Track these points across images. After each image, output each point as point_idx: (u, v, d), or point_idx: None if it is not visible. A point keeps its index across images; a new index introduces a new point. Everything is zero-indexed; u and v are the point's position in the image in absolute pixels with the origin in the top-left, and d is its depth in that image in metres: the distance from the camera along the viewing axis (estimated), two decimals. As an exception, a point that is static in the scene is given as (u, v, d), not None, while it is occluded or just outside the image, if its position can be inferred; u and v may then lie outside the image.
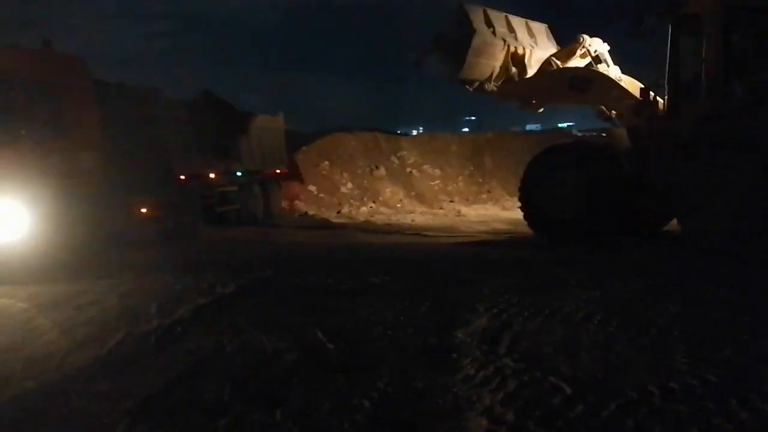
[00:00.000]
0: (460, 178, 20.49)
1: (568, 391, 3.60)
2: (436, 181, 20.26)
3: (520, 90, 11.80)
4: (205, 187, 12.95)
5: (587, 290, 6.06)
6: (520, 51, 11.56)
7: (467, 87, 11.85)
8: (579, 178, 10.10)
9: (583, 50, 11.16)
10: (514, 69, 11.59)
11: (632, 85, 10.61)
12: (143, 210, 11.02)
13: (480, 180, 20.38)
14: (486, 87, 11.69)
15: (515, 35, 11.65)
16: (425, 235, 13.00)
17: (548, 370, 3.92)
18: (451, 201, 19.16)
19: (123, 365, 4.44)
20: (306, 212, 17.63)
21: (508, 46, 11.44)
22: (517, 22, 11.84)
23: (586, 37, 11.14)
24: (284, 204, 17.63)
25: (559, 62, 11.32)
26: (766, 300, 5.46)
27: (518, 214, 17.11)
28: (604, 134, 10.96)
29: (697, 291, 5.89)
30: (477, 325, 5.05)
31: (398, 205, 18.62)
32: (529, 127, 40.82)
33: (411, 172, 20.44)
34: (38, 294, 6.77)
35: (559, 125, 39.75)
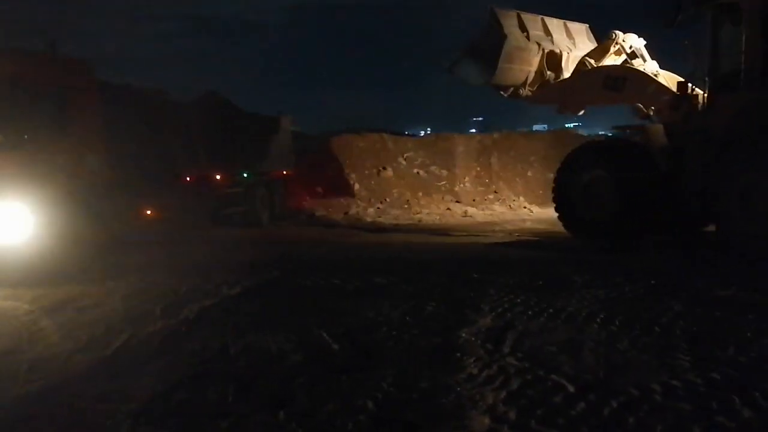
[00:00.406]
0: (467, 178, 20.44)
1: (571, 389, 3.60)
2: (443, 182, 20.21)
3: (554, 94, 11.44)
4: (210, 188, 12.98)
5: (591, 290, 6.05)
6: (557, 54, 11.30)
7: (501, 93, 11.70)
8: (613, 177, 9.72)
9: (617, 47, 10.80)
10: (549, 73, 11.30)
11: (671, 80, 10.20)
12: (148, 212, 11.06)
13: (487, 180, 20.32)
14: (521, 92, 11.48)
15: (551, 38, 11.39)
16: (449, 234, 12.99)
17: (551, 369, 3.92)
18: (458, 201, 19.12)
19: (127, 367, 4.46)
20: (313, 213, 17.64)
21: (543, 50, 11.21)
22: (555, 24, 11.59)
23: (618, 33, 10.81)
24: (291, 205, 17.64)
25: (592, 61, 10.97)
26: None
27: (524, 214, 17.18)
28: (636, 131, 10.43)
29: (699, 291, 5.87)
30: (481, 325, 5.06)
31: (405, 206, 18.59)
32: (536, 127, 40.72)
33: (418, 172, 20.41)
34: (42, 296, 6.80)
35: (566, 125, 39.61)
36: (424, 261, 9.13)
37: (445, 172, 20.49)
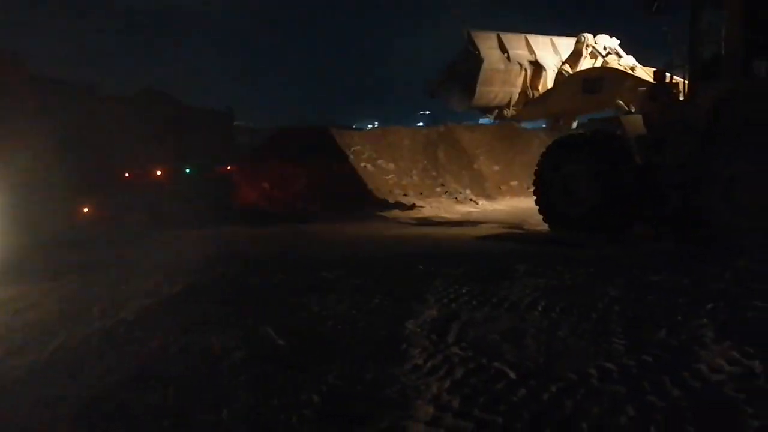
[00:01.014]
0: (414, 171, 20.54)
1: (513, 376, 3.68)
2: (391, 176, 20.26)
3: (539, 109, 11.32)
4: (151, 185, 12.69)
5: (533, 278, 6.18)
6: (542, 72, 11.22)
7: (487, 115, 11.71)
8: (590, 170, 9.51)
9: (590, 49, 10.70)
10: (532, 92, 11.20)
11: (649, 73, 9.96)
12: (86, 210, 10.76)
13: (434, 173, 20.47)
14: (505, 113, 11.40)
15: (535, 56, 11.28)
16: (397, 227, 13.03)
17: (494, 358, 4.00)
18: (406, 195, 19.21)
19: (63, 370, 4.33)
20: (258, 209, 17.43)
21: (526, 70, 11.13)
22: (540, 41, 11.48)
23: (587, 35, 10.74)
24: (235, 200, 17.40)
25: (568, 68, 10.88)
26: (699, 283, 5.65)
27: (470, 207, 17.40)
28: (612, 123, 10.14)
29: (635, 276, 6.07)
30: (427, 316, 5.11)
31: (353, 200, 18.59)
32: (481, 120, 41.26)
33: (365, 166, 20.42)
34: (-25, 300, 6.53)
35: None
36: (370, 254, 9.15)
37: (392, 166, 20.56)
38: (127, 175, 11.66)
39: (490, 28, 11.38)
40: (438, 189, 19.71)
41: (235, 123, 17.22)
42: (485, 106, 11.39)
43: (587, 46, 10.63)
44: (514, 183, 19.03)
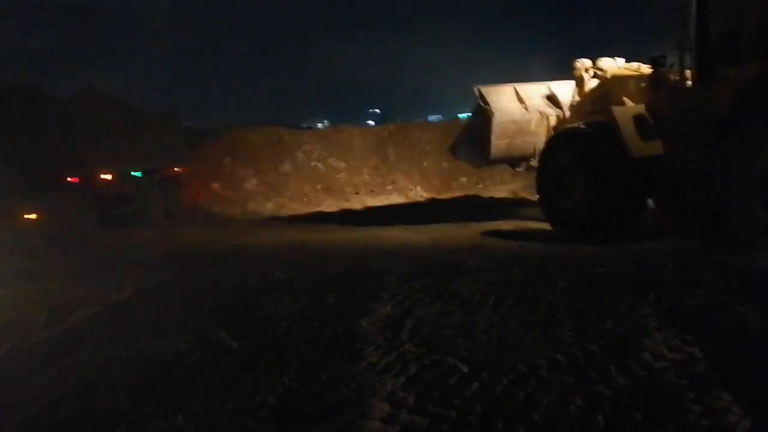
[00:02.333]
0: (365, 170, 20.60)
1: (465, 370, 3.75)
2: (342, 174, 20.27)
3: None
4: (98, 188, 12.35)
5: (485, 273, 6.30)
6: (565, 117, 10.73)
7: (515, 168, 11.47)
8: (583, 166, 8.96)
9: (591, 71, 10.14)
10: None
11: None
12: (30, 215, 10.40)
13: (384, 171, 20.57)
14: (532, 163, 10.88)
15: (559, 101, 10.90)
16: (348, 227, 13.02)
17: (447, 353, 4.07)
18: (357, 193, 19.25)
19: (9, 381, 4.20)
20: (209, 210, 17.20)
21: (548, 117, 10.78)
22: (564, 86, 11.03)
23: (582, 60, 10.26)
24: (186, 202, 17.12)
25: (577, 98, 10.48)
26: (643, 273, 5.87)
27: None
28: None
29: (581, 268, 6.25)
30: (381, 313, 5.15)
31: (305, 200, 18.52)
32: (431, 117, 41.64)
33: (316, 165, 20.35)
34: None
35: (459, 116, 40.73)
36: (324, 253, 9.15)
37: (343, 165, 20.57)
38: (72, 179, 11.31)
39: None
40: (389, 187, 19.82)
41: (183, 124, 16.88)
42: (507, 159, 11.17)
43: (586, 69, 10.19)
44: (463, 179, 19.26)
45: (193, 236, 12.48)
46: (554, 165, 9.48)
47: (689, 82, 8.10)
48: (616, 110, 8.76)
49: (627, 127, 8.48)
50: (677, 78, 8.25)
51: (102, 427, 3.41)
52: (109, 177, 12.61)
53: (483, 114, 10.90)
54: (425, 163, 20.55)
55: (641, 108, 8.73)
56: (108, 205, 12.77)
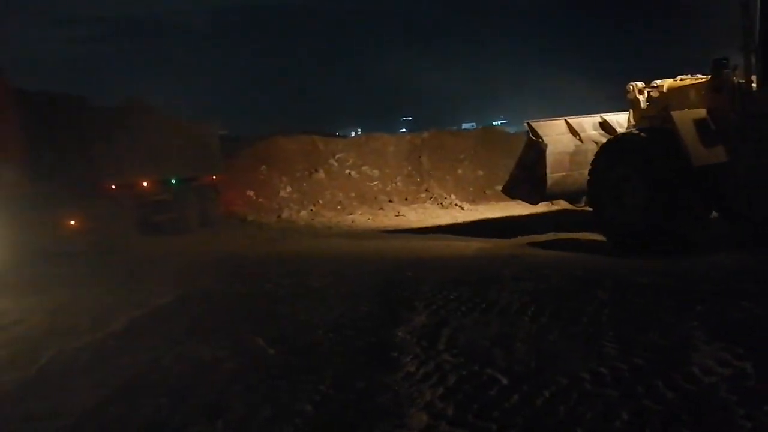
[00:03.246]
0: (399, 178, 20.59)
1: (505, 382, 3.69)
2: (375, 182, 20.28)
3: None
4: (138, 196, 12.60)
5: (521, 283, 6.22)
6: None
7: (574, 204, 11.10)
8: (644, 175, 8.38)
9: (645, 93, 9.64)
10: None
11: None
12: (72, 222, 10.64)
13: (418, 179, 20.53)
14: None
15: (615, 129, 10.49)
16: (382, 235, 13.03)
17: (486, 363, 4.01)
18: (390, 201, 19.23)
19: (54, 384, 4.28)
20: (245, 218, 17.38)
21: None
22: (620, 118, 10.64)
23: (633, 83, 9.83)
24: (222, 210, 17.33)
25: (633, 122, 9.98)
26: (687, 284, 5.73)
27: (455, 212, 17.47)
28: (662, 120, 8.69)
29: (624, 279, 6.12)
30: (417, 323, 5.12)
31: (338, 207, 18.58)
32: (464, 125, 41.58)
33: (350, 173, 20.41)
34: (-39, 315, 6.44)
35: (494, 123, 40.59)
36: (357, 262, 9.16)
37: (376, 173, 20.59)
38: (113, 186, 11.54)
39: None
40: (423, 195, 19.76)
41: (220, 133, 17.12)
42: (564, 194, 10.82)
43: (640, 90, 9.70)
44: (498, 187, 19.10)
45: (229, 243, 12.62)
46: (609, 174, 8.86)
47: (754, 85, 7.74)
48: (676, 115, 8.22)
49: (688, 133, 8.00)
50: (742, 81, 7.84)
51: (144, 430, 3.45)
52: (148, 185, 12.84)
53: (535, 147, 10.58)
54: (460, 171, 20.46)
55: (702, 113, 8.23)
56: (147, 213, 13.00)
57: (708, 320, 4.50)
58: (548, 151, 10.27)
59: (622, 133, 9.39)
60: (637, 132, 8.89)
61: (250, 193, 18.97)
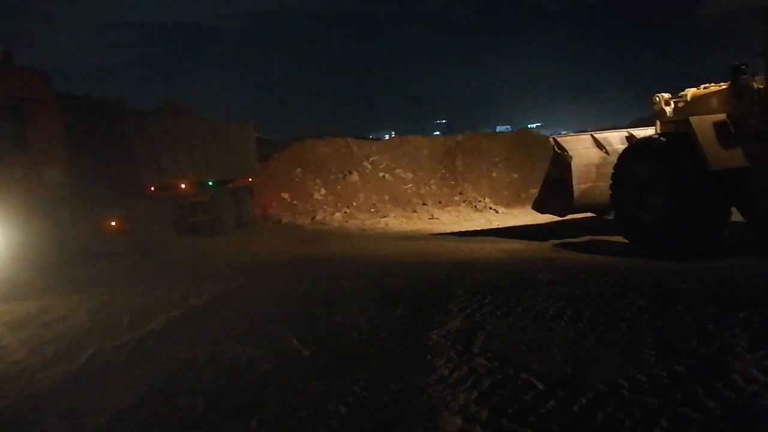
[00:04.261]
0: (433, 181, 20.54)
1: (540, 387, 3.65)
2: (409, 185, 20.28)
3: None
4: (175, 197, 12.81)
5: (557, 287, 6.14)
6: None
7: (603, 216, 11.18)
8: (663, 179, 8.59)
9: (671, 103, 9.71)
10: None
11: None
12: (113, 223, 10.86)
13: (452, 182, 20.45)
14: None
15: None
16: (415, 237, 13.03)
17: (521, 368, 3.97)
18: (424, 204, 19.21)
19: (94, 381, 4.38)
20: (280, 220, 17.55)
21: None
22: (645, 131, 10.69)
23: (658, 95, 9.91)
24: (257, 212, 17.52)
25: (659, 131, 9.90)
26: (729, 291, 5.58)
27: (490, 215, 17.36)
28: (681, 125, 8.78)
29: (662, 284, 5.99)
30: (451, 326, 5.10)
31: (372, 210, 18.63)
32: (499, 128, 41.35)
33: (384, 176, 20.45)
34: (5, 312, 6.64)
35: (528, 126, 40.26)
36: (392, 264, 9.15)
37: (410, 175, 20.58)
38: (152, 188, 11.76)
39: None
40: (456, 198, 19.68)
41: (256, 135, 17.32)
42: (593, 206, 10.87)
43: (666, 102, 9.78)
44: (533, 191, 18.92)
45: (264, 245, 12.74)
46: (631, 178, 9.08)
47: None
48: (695, 120, 8.37)
49: (706, 138, 8.12)
50: (762, 86, 7.89)
51: (181, 428, 3.50)
52: (186, 186, 13.05)
53: (561, 160, 10.81)
54: (494, 174, 20.33)
55: (722, 117, 8.33)
56: (184, 214, 13.21)
57: (750, 327, 4.38)
58: (573, 163, 10.52)
59: (642, 138, 9.52)
60: (656, 137, 9.02)
61: (285, 195, 19.16)
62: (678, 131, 8.62)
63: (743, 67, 8.13)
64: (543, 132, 28.58)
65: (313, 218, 17.77)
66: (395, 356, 4.48)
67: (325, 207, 18.74)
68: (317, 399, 3.75)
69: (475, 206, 18.85)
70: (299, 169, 20.05)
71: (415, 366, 4.21)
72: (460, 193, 19.82)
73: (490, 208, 18.63)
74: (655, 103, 9.87)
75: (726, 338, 4.21)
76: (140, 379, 4.31)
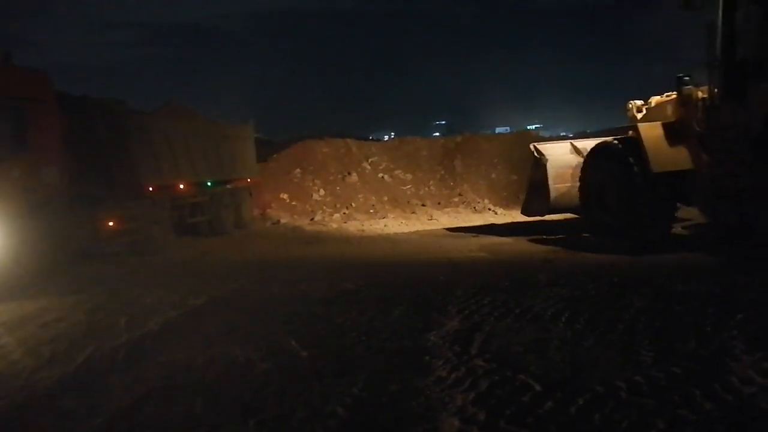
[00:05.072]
0: (432, 182, 20.55)
1: (538, 388, 3.65)
2: (408, 186, 20.28)
3: None
4: (174, 198, 12.80)
5: (555, 289, 6.15)
6: None
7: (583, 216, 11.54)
8: (616, 179, 9.39)
9: (643, 110, 10.13)
10: None
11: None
12: (111, 223, 10.85)
13: (451, 183, 20.46)
14: None
15: None
16: (414, 238, 13.03)
17: (519, 369, 3.98)
18: (423, 205, 19.21)
19: (91, 382, 4.37)
20: (278, 220, 17.54)
21: None
22: (588, 143, 11.47)
23: (631, 102, 10.42)
24: (256, 212, 17.52)
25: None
26: (727, 292, 5.59)
27: (489, 216, 17.36)
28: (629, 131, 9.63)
29: (660, 286, 6.00)
30: (449, 327, 5.10)
31: (371, 211, 18.63)
32: (498, 129, 41.39)
33: (383, 177, 20.45)
34: (3, 312, 6.65)
35: (528, 127, 40.31)
36: (390, 265, 9.16)
37: (409, 176, 20.59)
38: (151, 188, 11.76)
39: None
40: (456, 199, 19.69)
41: (255, 136, 17.31)
42: (570, 205, 11.29)
43: (638, 108, 10.24)
44: (532, 192, 18.93)
45: (263, 245, 12.74)
46: (592, 179, 9.98)
47: (718, 100, 8.12)
48: (642, 126, 9.15)
49: (651, 142, 8.88)
50: (706, 95, 8.32)
51: (179, 429, 3.50)
52: (184, 187, 13.04)
53: (539, 164, 11.83)
54: (493, 176, 20.33)
55: (670, 125, 9.01)
56: (183, 214, 13.21)
57: (748, 329, 4.39)
58: (549, 164, 11.56)
59: (602, 142, 10.26)
60: (612, 141, 9.73)
61: (284, 196, 19.15)
62: (631, 136, 9.38)
63: (686, 78, 8.84)
64: (542, 133, 28.64)
65: (312, 219, 17.76)
66: (394, 357, 4.49)
67: (324, 208, 18.74)
68: (316, 400, 3.75)
69: (474, 207, 18.85)
70: (298, 170, 20.05)
71: (414, 367, 4.21)
72: (459, 195, 19.83)
73: (489, 209, 18.64)
74: (628, 110, 10.48)
75: (724, 340, 4.21)
76: (138, 379, 4.30)
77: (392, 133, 42.53)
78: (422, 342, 4.75)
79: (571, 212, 11.83)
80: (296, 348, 4.80)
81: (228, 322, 5.75)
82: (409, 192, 19.99)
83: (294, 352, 4.73)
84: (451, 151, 21.46)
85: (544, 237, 11.44)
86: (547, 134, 29.17)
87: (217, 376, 4.31)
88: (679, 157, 8.74)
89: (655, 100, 9.98)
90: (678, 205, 9.28)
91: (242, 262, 10.17)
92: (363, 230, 15.40)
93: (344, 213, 18.37)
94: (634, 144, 9.10)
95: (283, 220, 17.48)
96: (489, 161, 20.89)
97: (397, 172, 20.69)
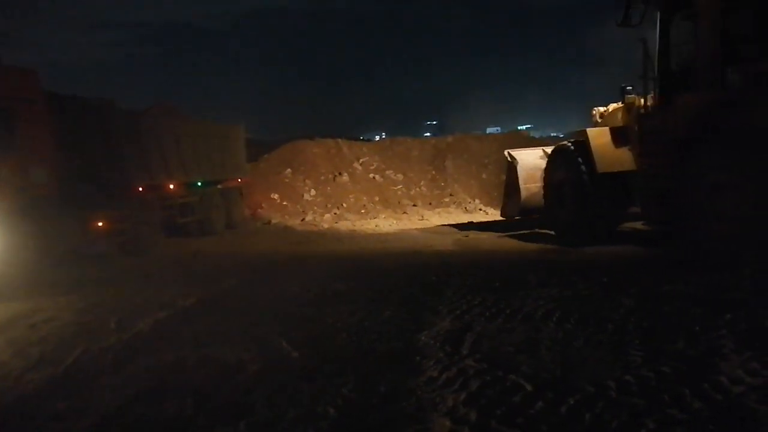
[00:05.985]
0: (423, 182, 20.59)
1: (529, 388, 3.66)
2: (399, 186, 20.32)
3: None
4: (164, 198, 12.76)
5: (546, 289, 6.16)
6: None
7: None
8: (572, 179, 10.18)
9: (604, 116, 10.89)
10: None
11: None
12: (100, 223, 10.81)
13: (442, 184, 20.51)
14: None
15: None
16: (405, 239, 13.04)
17: (509, 369, 3.98)
18: (414, 205, 19.25)
19: (80, 383, 4.34)
20: (269, 220, 17.52)
21: None
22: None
23: (596, 108, 11.23)
24: (247, 212, 17.48)
25: None
26: (716, 292, 5.61)
27: (479, 216, 17.40)
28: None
29: (649, 286, 6.03)
30: (440, 328, 5.10)
31: (362, 211, 18.64)
32: (489, 130, 41.49)
33: (374, 177, 20.48)
34: (-9, 313, 6.59)
35: (519, 128, 40.47)
36: (381, 266, 9.16)
37: (400, 177, 20.62)
38: (140, 188, 11.71)
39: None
40: (446, 199, 19.73)
41: (245, 136, 17.30)
42: (540, 205, 11.71)
43: (601, 114, 11.02)
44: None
45: (254, 246, 12.72)
46: (551, 179, 10.92)
47: (652, 107, 8.92)
48: (590, 131, 10.12)
49: (597, 145, 9.81)
50: (642, 103, 9.15)
51: (169, 430, 3.48)
52: (174, 187, 13.00)
53: (510, 167, 12.90)
54: (484, 176, 20.40)
55: (616, 130, 9.88)
56: (173, 215, 13.16)
57: (737, 329, 4.41)
58: (519, 166, 12.63)
59: (559, 145, 10.96)
60: (567, 144, 10.54)
61: (275, 196, 19.13)
62: (582, 140, 10.21)
63: (629, 88, 9.67)
64: (533, 134, 28.73)
65: (303, 219, 17.75)
66: (385, 358, 4.48)
67: (315, 208, 18.73)
68: (307, 401, 3.75)
69: (465, 207, 18.92)
70: (289, 170, 20.04)
71: (405, 367, 4.21)
72: (450, 195, 19.88)
73: (480, 209, 18.71)
74: (593, 116, 11.31)
75: (713, 340, 4.23)
76: (128, 380, 4.28)
77: (383, 134, 42.58)
78: (413, 342, 4.74)
79: (540, 212, 12.23)
80: (287, 348, 4.79)
81: (218, 323, 5.74)
82: (400, 192, 20.02)
83: (285, 352, 4.72)
84: (442, 151, 21.51)
85: (512, 234, 12.36)
86: (537, 135, 29.29)
87: (208, 377, 4.29)
88: (623, 159, 9.57)
89: (612, 107, 10.74)
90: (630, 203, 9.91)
91: (233, 262, 10.14)
92: (354, 230, 15.42)
93: (335, 213, 18.37)
94: (584, 147, 9.98)
95: (274, 221, 17.46)
96: (480, 161, 20.96)
97: (388, 172, 20.71)
